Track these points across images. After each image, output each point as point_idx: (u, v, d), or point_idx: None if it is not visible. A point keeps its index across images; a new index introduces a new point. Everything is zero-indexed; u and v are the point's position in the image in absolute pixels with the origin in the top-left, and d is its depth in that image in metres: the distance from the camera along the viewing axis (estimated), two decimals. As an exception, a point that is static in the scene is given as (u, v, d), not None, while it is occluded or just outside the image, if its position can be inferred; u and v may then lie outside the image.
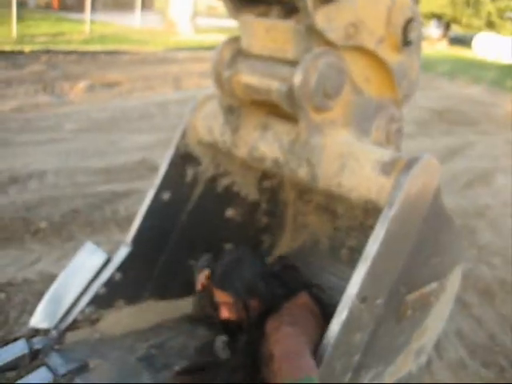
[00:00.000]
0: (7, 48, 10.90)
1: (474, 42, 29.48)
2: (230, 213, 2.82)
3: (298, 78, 1.79)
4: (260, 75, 1.99)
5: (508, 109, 11.33)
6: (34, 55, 10.60)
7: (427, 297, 2.24)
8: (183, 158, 2.56)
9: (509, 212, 5.09)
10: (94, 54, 11.73)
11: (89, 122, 6.72)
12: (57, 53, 11.08)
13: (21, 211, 3.90)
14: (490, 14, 29.08)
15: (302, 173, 2.04)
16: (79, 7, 20.99)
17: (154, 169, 5.09)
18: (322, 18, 1.76)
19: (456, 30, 32.75)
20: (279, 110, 2.10)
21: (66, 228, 3.72)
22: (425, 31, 36.78)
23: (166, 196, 2.54)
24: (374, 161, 1.87)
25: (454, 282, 2.45)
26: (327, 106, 1.88)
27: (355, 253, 2.83)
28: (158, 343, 2.51)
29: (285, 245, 3.10)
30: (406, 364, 2.36)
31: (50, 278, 3.06)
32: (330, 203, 2.82)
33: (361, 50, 1.98)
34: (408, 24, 2.03)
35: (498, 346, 2.91)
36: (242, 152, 2.27)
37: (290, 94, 1.85)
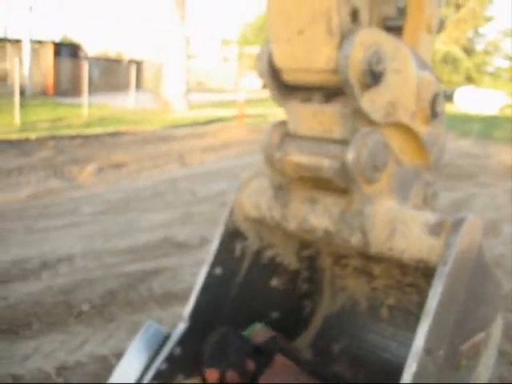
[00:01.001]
0: (14, 136, 11.25)
1: (455, 97, 30.50)
2: (274, 282, 2.97)
3: (350, 156, 2.01)
4: (309, 154, 2.21)
5: (500, 159, 11.71)
6: (40, 142, 10.95)
7: (478, 346, 2.38)
8: (231, 235, 2.74)
9: (523, 260, 5.26)
10: (97, 136, 12.11)
11: (104, 204, 6.93)
12: (61, 138, 11.45)
13: (59, 295, 4.02)
14: (468, 69, 30.43)
15: (355, 240, 2.22)
16: (73, 91, 21.78)
17: (177, 245, 5.27)
18: (366, 102, 1.99)
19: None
20: (323, 183, 2.30)
21: (106, 309, 3.83)
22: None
23: (218, 271, 2.70)
24: (422, 224, 2.06)
25: (497, 329, 2.59)
26: (376, 179, 2.09)
27: (395, 310, 2.97)
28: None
29: (325, 308, 3.24)
30: (463, 414, 2.46)
31: (100, 359, 3.18)
32: (367, 265, 2.97)
33: (397, 125, 2.22)
34: (434, 99, 2.27)
35: (541, 390, 3.02)
36: (292, 225, 2.45)
37: (343, 170, 2.06)
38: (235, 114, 15.90)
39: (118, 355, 2.82)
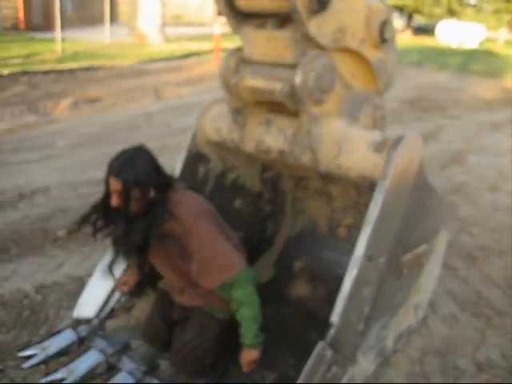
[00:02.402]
0: (-15, 72, 11.08)
1: (436, 30, 30.16)
2: (238, 203, 3.15)
3: (298, 78, 2.14)
4: (263, 78, 2.34)
5: (474, 92, 11.85)
6: (13, 77, 10.78)
7: (419, 257, 2.60)
8: (195, 158, 2.89)
9: (483, 187, 5.50)
10: (71, 71, 11.94)
11: (79, 137, 6.98)
12: (35, 73, 11.28)
13: (36, 223, 4.17)
14: (449, 1, 29.96)
15: (306, 159, 2.39)
16: (46, 26, 21.15)
17: (151, 175, 5.39)
18: (313, 27, 2.11)
19: (419, 19, 33.56)
20: (279, 106, 2.45)
21: (81, 235, 4.00)
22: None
23: (183, 193, 2.86)
24: (367, 142, 2.23)
25: (440, 244, 2.82)
26: (324, 100, 2.23)
27: (352, 230, 3.18)
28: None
29: (287, 229, 3.43)
30: (407, 318, 2.72)
31: (77, 279, 3.37)
32: (326, 187, 3.15)
33: (346, 50, 2.34)
34: (383, 25, 2.39)
35: (484, 299, 3.27)
36: (249, 146, 2.61)
37: (292, 93, 2.20)
38: (211, 48, 15.69)
39: (93, 276, 2.99)
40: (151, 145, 6.83)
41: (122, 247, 2.31)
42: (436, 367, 2.65)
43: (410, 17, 31.84)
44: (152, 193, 2.27)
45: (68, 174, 5.44)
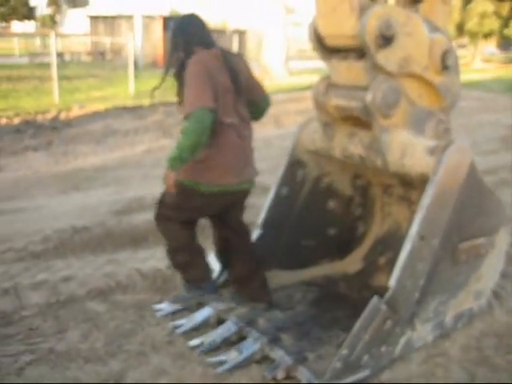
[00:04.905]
0: (129, 103, 12.70)
1: None
2: (331, 205, 3.78)
3: (369, 97, 2.78)
4: (345, 98, 3.01)
5: None
6: (152, 107, 12.27)
7: (478, 248, 3.07)
8: (295, 164, 3.59)
9: None
10: (202, 102, 13.27)
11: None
12: (170, 104, 12.72)
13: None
14: None
15: (378, 162, 3.00)
16: (181, 63, 23.27)
17: (265, 188, 6.17)
18: (381, 58, 2.75)
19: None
20: (360, 122, 3.09)
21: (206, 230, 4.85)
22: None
23: (284, 191, 3.56)
24: (424, 147, 2.80)
25: (501, 240, 3.24)
26: (390, 114, 2.84)
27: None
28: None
29: (375, 230, 3.99)
30: (467, 301, 3.17)
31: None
32: (407, 193, 3.69)
33: (412, 75, 2.94)
34: (445, 54, 2.95)
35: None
36: (337, 153, 3.27)
37: (366, 108, 2.84)
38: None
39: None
40: (267, 163, 7.62)
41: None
42: (491, 344, 3.07)
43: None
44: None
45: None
